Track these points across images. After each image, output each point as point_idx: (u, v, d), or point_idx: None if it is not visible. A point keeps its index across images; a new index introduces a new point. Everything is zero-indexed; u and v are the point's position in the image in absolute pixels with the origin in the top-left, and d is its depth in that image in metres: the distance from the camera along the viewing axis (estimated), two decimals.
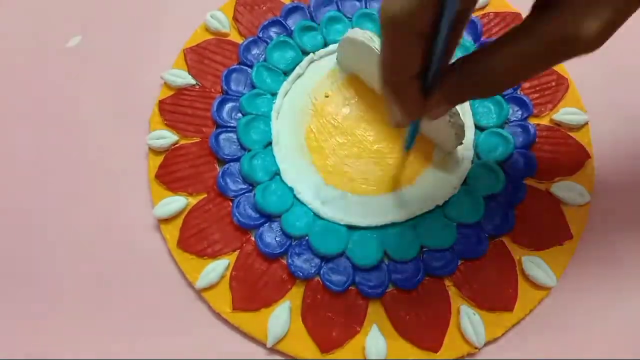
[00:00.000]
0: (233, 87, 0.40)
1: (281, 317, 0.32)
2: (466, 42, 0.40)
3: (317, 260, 0.34)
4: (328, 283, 0.33)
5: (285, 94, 0.40)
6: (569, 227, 0.35)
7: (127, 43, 0.43)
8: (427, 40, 0.21)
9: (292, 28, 0.41)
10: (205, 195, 0.37)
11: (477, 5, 0.43)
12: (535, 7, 0.22)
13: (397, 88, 0.24)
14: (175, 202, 0.36)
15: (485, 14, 0.42)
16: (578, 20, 0.19)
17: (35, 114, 0.41)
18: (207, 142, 0.37)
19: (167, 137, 0.38)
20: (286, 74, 0.40)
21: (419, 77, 0.23)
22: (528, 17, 0.22)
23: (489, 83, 0.23)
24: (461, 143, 0.36)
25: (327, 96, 0.39)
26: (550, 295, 0.34)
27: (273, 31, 0.41)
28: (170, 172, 0.37)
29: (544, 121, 0.38)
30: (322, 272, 0.34)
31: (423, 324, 0.32)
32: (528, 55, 0.21)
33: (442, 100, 0.24)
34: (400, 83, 0.24)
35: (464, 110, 0.38)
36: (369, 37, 0.35)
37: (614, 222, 0.36)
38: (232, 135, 0.38)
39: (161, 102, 0.39)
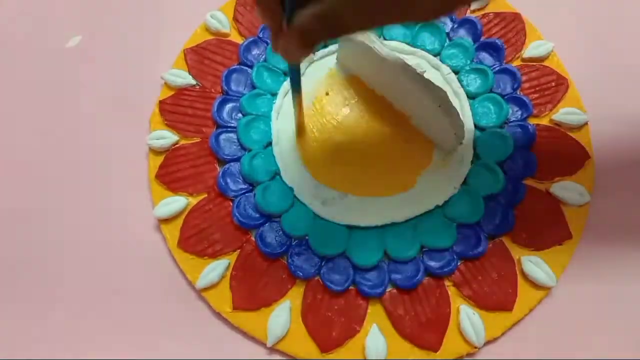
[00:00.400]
0: (233, 87, 0.40)
1: (281, 317, 0.33)
2: (465, 43, 0.40)
3: (317, 260, 0.34)
4: (328, 283, 0.33)
5: (286, 94, 0.40)
6: (568, 227, 0.35)
7: (128, 43, 0.43)
8: None
9: None
10: (206, 195, 0.37)
11: (477, 5, 0.43)
12: None
13: (258, 6, 0.24)
14: (176, 202, 0.36)
15: (485, 14, 0.42)
16: None
17: (35, 114, 0.41)
18: (208, 142, 0.38)
19: (167, 137, 0.38)
20: (286, 74, 0.40)
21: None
22: None
23: (338, 24, 0.22)
24: (461, 143, 0.36)
25: (327, 94, 0.39)
26: (549, 295, 0.34)
27: None
28: (171, 172, 0.37)
29: (544, 121, 0.38)
30: (322, 272, 0.34)
31: (423, 323, 0.32)
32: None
33: (293, 31, 0.24)
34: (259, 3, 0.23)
35: (464, 110, 0.38)
36: (369, 38, 0.35)
37: (614, 222, 0.36)
38: (233, 136, 0.38)
39: (161, 102, 0.40)
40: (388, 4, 0.21)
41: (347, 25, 0.22)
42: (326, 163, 0.37)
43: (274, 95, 0.39)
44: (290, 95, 0.39)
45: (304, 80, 0.40)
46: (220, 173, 0.37)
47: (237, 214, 0.35)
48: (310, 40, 0.23)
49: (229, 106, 0.39)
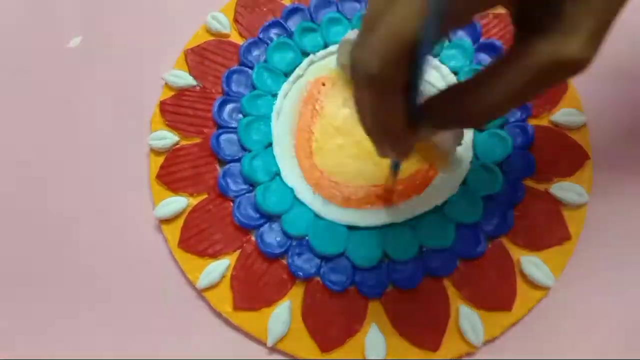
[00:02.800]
0: (234, 88, 0.40)
1: (281, 317, 0.33)
2: (465, 43, 0.40)
3: (317, 260, 0.34)
4: (328, 283, 0.33)
5: (286, 95, 0.40)
6: (567, 228, 0.35)
7: (128, 44, 0.43)
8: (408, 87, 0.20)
9: (293, 29, 0.41)
10: (206, 196, 0.37)
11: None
12: (517, 34, 0.21)
13: (388, 139, 0.23)
14: (176, 203, 0.36)
15: (484, 15, 0.42)
16: (563, 42, 0.19)
17: (36, 114, 0.41)
18: (208, 143, 0.38)
19: (168, 137, 0.38)
20: (287, 75, 0.40)
21: (407, 123, 0.22)
22: (513, 44, 0.21)
23: (479, 114, 0.22)
24: (460, 143, 0.36)
25: (323, 84, 0.40)
26: (548, 295, 0.34)
27: (273, 32, 0.42)
28: (171, 172, 0.37)
29: (543, 122, 0.38)
30: (322, 272, 0.34)
31: (422, 323, 0.33)
32: (519, 85, 0.20)
33: (430, 129, 0.23)
34: (390, 136, 0.22)
35: None
36: None
37: (613, 223, 0.36)
38: (233, 136, 0.38)
39: (162, 103, 0.40)
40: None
41: (490, 115, 0.22)
42: (326, 163, 0.37)
43: (275, 96, 0.40)
44: (290, 96, 0.40)
45: (304, 81, 0.40)
46: (221, 173, 0.37)
47: (237, 214, 0.35)
48: (449, 128, 0.24)
49: (229, 107, 0.39)
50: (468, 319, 0.32)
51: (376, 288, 0.33)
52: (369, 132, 0.23)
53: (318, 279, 0.34)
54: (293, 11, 0.42)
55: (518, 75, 0.20)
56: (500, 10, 0.22)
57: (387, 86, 0.19)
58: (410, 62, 0.19)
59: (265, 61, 0.41)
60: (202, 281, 0.34)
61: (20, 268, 0.36)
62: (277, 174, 0.37)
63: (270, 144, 0.38)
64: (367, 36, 0.19)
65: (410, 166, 0.37)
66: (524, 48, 0.20)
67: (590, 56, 0.19)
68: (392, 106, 0.20)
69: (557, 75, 0.20)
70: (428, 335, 0.32)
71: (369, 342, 0.32)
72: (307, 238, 0.35)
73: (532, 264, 0.34)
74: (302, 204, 0.36)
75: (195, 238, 0.35)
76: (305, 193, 0.36)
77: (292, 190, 0.36)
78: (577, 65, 0.19)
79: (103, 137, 0.40)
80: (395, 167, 0.32)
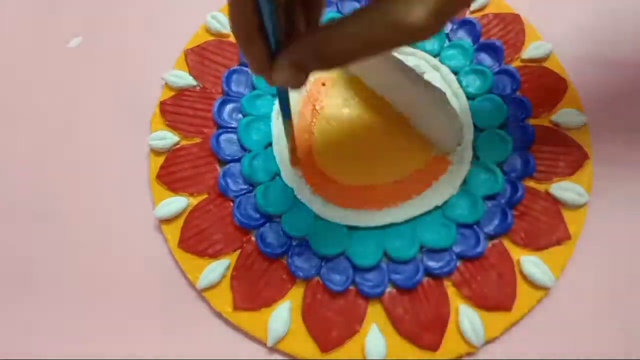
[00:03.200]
0: (234, 88, 0.40)
1: (281, 317, 0.33)
2: (464, 44, 0.40)
3: (317, 260, 0.34)
4: (328, 283, 0.33)
5: None
6: (567, 228, 0.35)
7: (128, 44, 0.44)
8: None
9: None
10: (206, 196, 0.37)
11: (476, 6, 0.43)
12: None
13: (243, 38, 0.24)
14: (176, 203, 0.36)
15: (484, 15, 0.42)
16: (405, 8, 0.20)
17: (36, 114, 0.41)
18: (208, 143, 0.38)
19: (168, 137, 0.38)
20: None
21: (260, 32, 0.23)
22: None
23: (326, 56, 0.23)
24: (460, 144, 0.36)
25: (323, 84, 0.40)
26: (548, 295, 0.34)
27: None
28: (171, 172, 0.37)
29: (543, 122, 0.38)
30: (322, 272, 0.34)
31: (422, 323, 0.33)
32: (362, 37, 0.22)
33: (285, 62, 0.24)
34: (245, 34, 0.24)
35: (464, 110, 0.38)
36: None
37: (613, 223, 0.36)
38: (233, 136, 0.38)
39: (162, 103, 0.40)
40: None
41: (336, 59, 0.23)
42: (326, 163, 0.37)
43: (274, 96, 0.40)
44: (290, 96, 0.40)
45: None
46: (221, 173, 0.37)
47: (237, 214, 0.35)
48: (302, 66, 0.24)
49: (229, 107, 0.39)
50: (468, 319, 0.32)
51: (376, 288, 0.33)
52: (232, 29, 0.24)
53: (318, 279, 0.34)
54: None
55: (365, 27, 0.21)
56: None
57: None
58: None
59: None
60: (202, 281, 0.34)
61: (20, 268, 0.36)
62: (277, 174, 0.37)
63: (270, 144, 0.38)
64: None
65: (410, 166, 0.37)
66: (378, 3, 0.21)
67: (432, 27, 0.21)
68: (243, 2, 0.22)
69: (396, 38, 0.21)
70: (428, 335, 0.32)
71: (369, 342, 0.32)
72: (307, 238, 0.35)
73: (532, 264, 0.34)
74: (302, 204, 0.36)
75: (195, 238, 0.35)
76: (305, 193, 0.36)
77: (292, 190, 0.36)
78: (417, 33, 0.21)
79: (103, 137, 0.40)
80: (285, 116, 0.31)
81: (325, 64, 0.23)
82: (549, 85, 0.39)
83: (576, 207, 0.35)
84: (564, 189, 0.36)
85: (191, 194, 0.37)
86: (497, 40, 0.41)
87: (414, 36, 0.21)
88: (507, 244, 0.35)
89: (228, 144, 0.38)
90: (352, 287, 0.34)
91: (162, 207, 0.36)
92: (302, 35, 0.25)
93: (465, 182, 0.36)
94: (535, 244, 0.34)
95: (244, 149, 0.38)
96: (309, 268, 0.34)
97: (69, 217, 0.37)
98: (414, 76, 0.35)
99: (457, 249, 0.34)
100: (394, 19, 0.21)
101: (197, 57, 0.41)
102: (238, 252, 0.35)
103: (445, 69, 0.40)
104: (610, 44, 0.42)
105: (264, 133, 0.38)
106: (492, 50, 0.41)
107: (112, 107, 0.41)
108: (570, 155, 0.37)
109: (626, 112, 0.39)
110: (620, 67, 0.41)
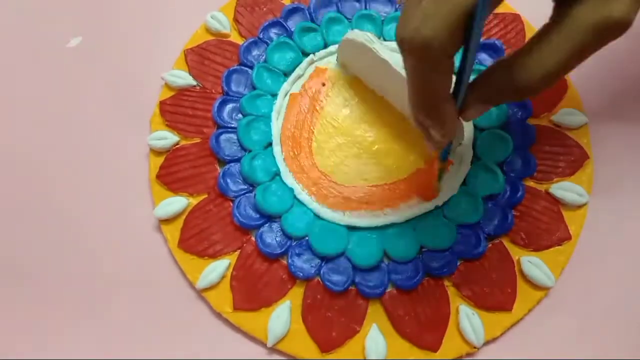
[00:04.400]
0: (233, 87, 0.40)
1: (281, 317, 0.33)
2: None
3: (317, 261, 0.34)
4: (328, 283, 0.33)
5: (286, 95, 0.40)
6: (567, 228, 0.35)
7: (128, 44, 0.43)
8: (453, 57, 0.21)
9: (292, 29, 0.41)
10: (206, 196, 0.37)
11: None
12: (558, 2, 0.22)
13: (434, 112, 0.24)
14: (176, 203, 0.36)
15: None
16: (609, 5, 0.20)
17: (36, 114, 0.41)
18: (208, 143, 0.38)
19: (168, 137, 0.38)
20: (286, 74, 0.40)
21: (452, 95, 0.23)
22: (554, 14, 0.22)
23: (531, 83, 0.22)
24: (460, 144, 0.36)
25: (323, 84, 0.40)
26: (548, 295, 0.34)
27: (273, 32, 0.42)
28: (171, 172, 0.37)
29: (543, 122, 0.38)
30: (322, 272, 0.34)
31: (422, 323, 0.33)
32: (569, 49, 0.21)
33: (476, 104, 0.24)
34: (437, 106, 0.23)
35: None
36: (369, 38, 0.36)
37: (613, 223, 0.36)
38: (233, 136, 0.38)
39: (162, 103, 0.40)
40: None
41: (537, 85, 0.23)
42: (326, 163, 0.37)
43: (274, 96, 0.40)
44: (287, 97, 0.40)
45: (302, 81, 0.40)
46: (221, 173, 0.37)
47: (237, 215, 0.35)
48: (495, 103, 0.25)
49: (229, 107, 0.39)
50: (468, 319, 0.32)
51: (376, 288, 0.33)
52: (419, 108, 0.24)
53: (318, 279, 0.34)
54: (293, 11, 0.42)
55: (568, 40, 0.21)
56: None
57: (439, 52, 0.20)
58: (463, 29, 0.20)
59: (265, 61, 0.41)
60: (202, 281, 0.34)
61: (21, 268, 0.36)
62: (277, 174, 0.37)
63: (270, 144, 0.38)
64: (417, 8, 0.20)
65: (410, 166, 0.37)
66: (569, 14, 0.21)
67: (633, 17, 0.21)
68: (443, 73, 0.22)
69: (605, 37, 0.21)
70: (428, 335, 0.32)
71: (369, 342, 0.32)
72: (307, 238, 0.35)
73: (532, 264, 0.34)
74: (302, 204, 0.36)
75: (195, 238, 0.35)
76: (305, 193, 0.36)
77: (292, 190, 0.36)
78: (624, 26, 0.21)
79: (103, 137, 0.40)
80: (443, 157, 0.32)
81: (522, 94, 0.23)
82: None
83: (576, 207, 0.36)
84: (565, 189, 0.36)
85: (191, 194, 0.37)
86: (497, 40, 0.41)
87: (620, 32, 0.21)
88: (507, 244, 0.35)
89: (228, 144, 0.38)
90: (352, 288, 0.34)
91: (162, 207, 0.36)
92: (488, 71, 0.24)
93: (465, 182, 0.36)
94: (535, 244, 0.34)
95: (243, 149, 0.38)
96: (309, 268, 0.34)
97: (68, 217, 0.37)
98: None
99: (457, 249, 0.34)
100: (596, 23, 0.20)
101: (197, 57, 0.41)
102: (238, 252, 0.35)
103: None
104: (610, 43, 0.42)
105: (264, 133, 0.38)
106: (493, 50, 0.40)
107: (111, 107, 0.41)
108: (570, 155, 0.37)
109: (626, 112, 0.39)
110: (620, 67, 0.41)
